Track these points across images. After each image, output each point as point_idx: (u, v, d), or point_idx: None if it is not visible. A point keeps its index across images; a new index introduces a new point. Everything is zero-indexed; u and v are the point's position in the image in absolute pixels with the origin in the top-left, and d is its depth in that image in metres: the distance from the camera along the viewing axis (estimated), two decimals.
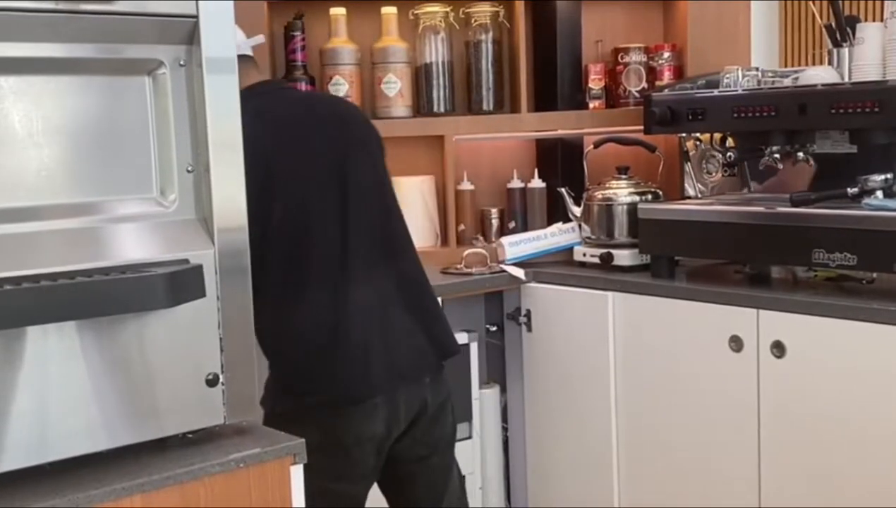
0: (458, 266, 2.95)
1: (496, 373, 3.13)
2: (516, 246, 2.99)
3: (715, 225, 2.58)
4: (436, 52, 3.15)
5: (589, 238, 2.93)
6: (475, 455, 2.97)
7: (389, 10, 3.11)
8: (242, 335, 1.51)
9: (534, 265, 2.96)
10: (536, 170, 3.25)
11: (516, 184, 3.25)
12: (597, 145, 3.02)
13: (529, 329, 2.94)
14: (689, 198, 2.95)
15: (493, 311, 3.13)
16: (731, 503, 2.49)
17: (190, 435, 1.49)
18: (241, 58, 1.68)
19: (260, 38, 2.24)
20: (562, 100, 3.23)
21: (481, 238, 3.20)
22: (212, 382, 1.47)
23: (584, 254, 2.91)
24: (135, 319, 1.40)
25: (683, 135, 2.92)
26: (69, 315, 1.33)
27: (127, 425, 1.41)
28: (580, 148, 3.24)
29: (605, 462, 2.78)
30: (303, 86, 3.06)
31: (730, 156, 2.66)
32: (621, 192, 2.87)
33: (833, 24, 2.56)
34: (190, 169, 1.47)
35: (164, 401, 1.44)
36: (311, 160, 2.05)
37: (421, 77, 3.17)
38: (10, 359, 1.31)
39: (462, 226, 3.18)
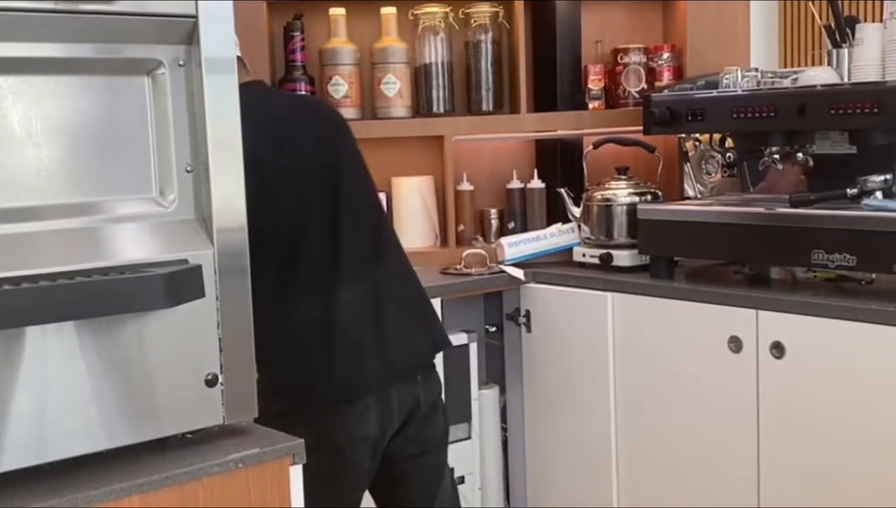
0: (458, 266, 2.95)
1: (495, 374, 3.13)
2: (516, 246, 2.99)
3: (714, 225, 2.57)
4: (435, 52, 3.15)
5: (588, 238, 2.93)
6: (474, 456, 2.97)
7: (389, 11, 3.11)
8: (242, 335, 1.51)
9: (533, 265, 2.96)
10: (536, 171, 3.25)
11: (516, 184, 3.25)
12: (596, 146, 3.02)
13: (529, 329, 2.94)
14: (689, 198, 2.95)
15: (493, 312, 3.12)
16: (730, 503, 2.48)
17: (189, 436, 1.49)
18: None
19: None
20: (561, 100, 3.23)
21: (481, 238, 3.20)
22: (211, 382, 1.47)
23: (584, 255, 2.91)
24: (134, 319, 1.40)
25: (683, 135, 2.92)
26: (68, 315, 1.33)
27: (126, 425, 1.41)
28: (580, 148, 3.24)
29: (604, 463, 2.78)
30: (302, 87, 3.07)
31: (729, 157, 2.66)
32: (621, 193, 2.87)
33: (832, 25, 2.56)
34: (189, 169, 1.47)
35: (164, 402, 1.44)
36: (303, 161, 2.06)
37: (420, 77, 3.17)
38: (9, 359, 1.31)
39: (461, 227, 3.18)
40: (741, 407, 2.43)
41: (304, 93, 3.06)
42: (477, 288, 2.91)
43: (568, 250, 2.99)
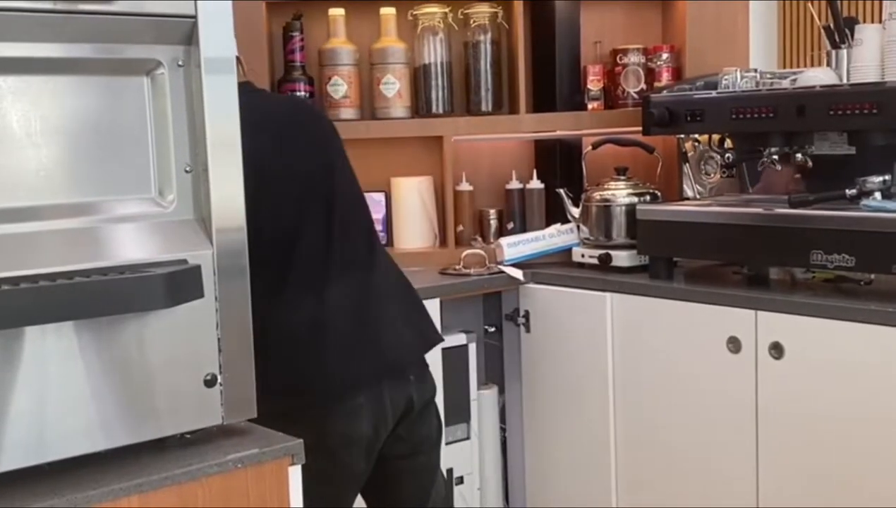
0: (457, 266, 2.95)
1: (494, 374, 3.13)
2: (515, 246, 2.99)
3: (713, 226, 2.58)
4: (434, 52, 3.16)
5: (587, 239, 2.93)
6: (473, 456, 2.97)
7: (388, 11, 3.12)
8: (241, 335, 1.50)
9: (532, 266, 2.96)
10: (535, 171, 3.25)
11: (515, 184, 3.25)
12: (595, 146, 3.03)
13: (528, 329, 2.94)
14: (688, 199, 2.95)
15: (492, 312, 3.13)
16: (729, 503, 2.48)
17: (188, 436, 1.49)
18: None
19: None
20: (560, 101, 3.22)
21: (480, 239, 3.20)
22: (210, 382, 1.47)
23: (583, 255, 2.91)
24: (133, 319, 1.40)
25: (682, 136, 2.92)
26: (67, 315, 1.33)
27: (125, 425, 1.41)
28: (579, 149, 3.24)
29: (603, 463, 2.78)
30: (301, 87, 3.07)
31: (728, 158, 2.66)
32: (620, 193, 2.87)
33: (832, 26, 2.56)
34: (188, 169, 1.47)
35: (163, 402, 1.44)
36: (303, 161, 2.06)
37: (420, 78, 3.17)
38: (8, 359, 1.31)
39: (461, 227, 3.18)
40: (740, 407, 2.43)
41: (302, 93, 3.06)
42: (476, 288, 2.91)
43: (567, 250, 2.99)
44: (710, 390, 2.50)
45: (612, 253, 2.82)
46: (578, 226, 2.96)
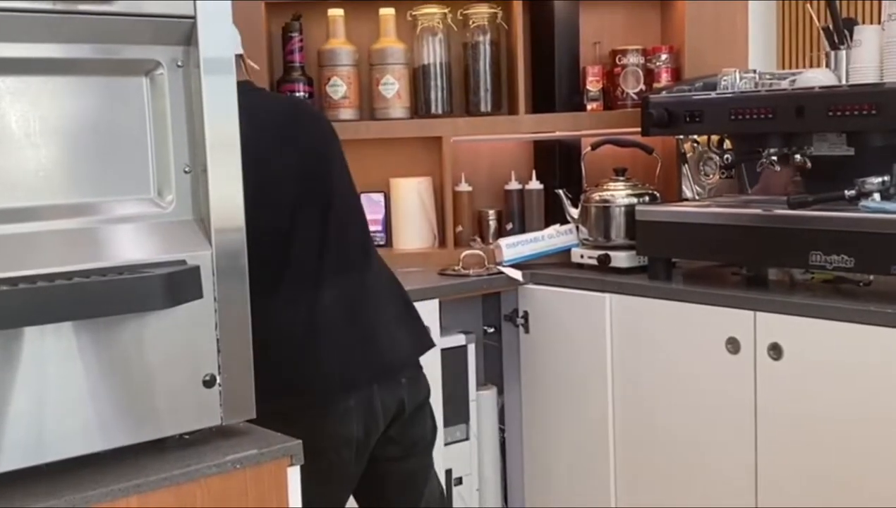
0: (456, 267, 2.95)
1: (493, 375, 3.13)
2: (514, 247, 2.99)
3: (712, 227, 2.58)
4: (434, 53, 3.16)
5: (586, 239, 2.93)
6: (472, 457, 2.97)
7: (387, 12, 3.12)
8: (240, 336, 1.50)
9: (531, 266, 2.96)
10: (534, 172, 3.25)
11: (514, 185, 3.25)
12: (594, 147, 3.03)
13: (527, 330, 2.94)
14: (687, 200, 2.95)
15: (491, 313, 3.13)
16: (728, 504, 2.48)
17: (187, 436, 1.48)
18: None
19: None
20: (559, 101, 3.22)
21: (479, 239, 3.20)
22: (209, 383, 1.47)
23: (582, 256, 2.91)
24: (132, 320, 1.40)
25: (681, 137, 2.92)
26: (66, 316, 1.33)
27: (124, 426, 1.41)
28: (578, 149, 3.24)
29: (602, 464, 2.78)
30: (300, 88, 3.07)
31: (727, 159, 2.67)
32: (619, 194, 2.87)
33: (830, 27, 2.56)
34: (187, 169, 1.47)
35: (162, 402, 1.44)
36: (302, 161, 2.06)
37: (419, 78, 3.17)
38: (7, 360, 1.31)
39: (460, 228, 3.18)
40: (739, 408, 2.43)
41: (301, 94, 3.06)
42: (475, 289, 2.91)
43: (566, 251, 2.99)
44: (709, 391, 2.50)
45: (611, 253, 2.82)
46: (577, 227, 2.96)
